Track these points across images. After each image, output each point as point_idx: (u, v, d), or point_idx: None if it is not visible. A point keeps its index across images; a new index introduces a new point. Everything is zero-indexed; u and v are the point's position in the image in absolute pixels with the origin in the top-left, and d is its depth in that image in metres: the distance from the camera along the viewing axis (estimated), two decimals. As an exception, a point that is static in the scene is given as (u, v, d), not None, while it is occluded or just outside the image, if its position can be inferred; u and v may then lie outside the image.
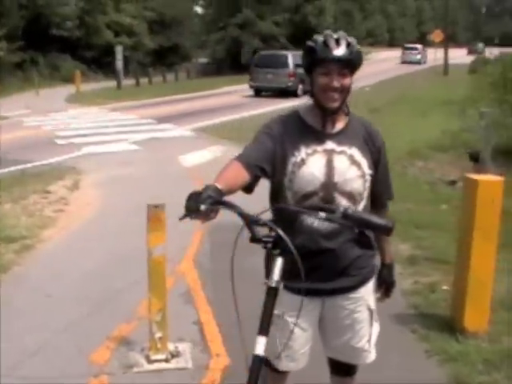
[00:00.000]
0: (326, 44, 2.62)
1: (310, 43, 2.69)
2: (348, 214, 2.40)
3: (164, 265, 4.26)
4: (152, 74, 37.35)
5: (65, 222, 7.99)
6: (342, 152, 2.72)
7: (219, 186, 2.36)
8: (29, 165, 11.80)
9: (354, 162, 2.72)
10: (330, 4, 49.71)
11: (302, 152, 2.70)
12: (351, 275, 2.82)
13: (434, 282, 5.80)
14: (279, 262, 2.35)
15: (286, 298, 2.74)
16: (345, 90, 2.66)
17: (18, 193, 9.32)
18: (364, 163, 2.74)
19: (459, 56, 52.99)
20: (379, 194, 2.89)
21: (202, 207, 2.21)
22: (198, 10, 51.20)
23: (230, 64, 43.50)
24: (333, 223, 2.55)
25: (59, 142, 15.01)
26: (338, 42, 2.62)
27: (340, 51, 2.60)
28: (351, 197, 2.70)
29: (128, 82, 35.28)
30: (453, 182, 10.72)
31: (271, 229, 2.36)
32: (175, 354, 4.40)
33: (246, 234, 2.40)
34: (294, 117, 2.83)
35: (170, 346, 4.43)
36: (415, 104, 22.97)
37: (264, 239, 2.37)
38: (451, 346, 4.51)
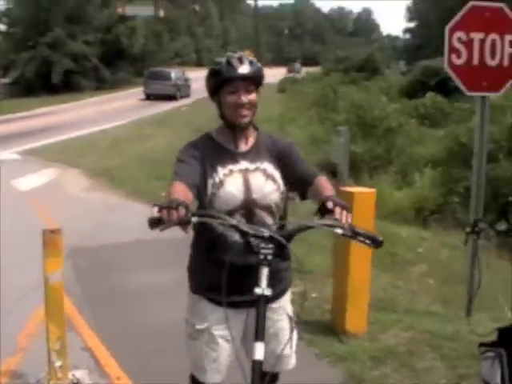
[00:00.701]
0: (229, 63, 2.74)
1: (214, 67, 2.80)
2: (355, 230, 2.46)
3: (62, 291, 4.15)
4: None
5: None
6: (256, 169, 2.84)
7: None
8: None
9: (268, 176, 2.84)
10: (141, 24, 49.70)
11: (220, 173, 2.79)
12: (273, 287, 2.96)
13: (303, 291, 6.10)
14: (266, 271, 2.46)
15: (210, 312, 2.88)
16: (253, 105, 2.78)
17: None
18: (277, 175, 2.86)
19: (270, 75, 55.14)
20: (305, 174, 2.86)
21: (194, 219, 2.33)
22: (1, 27, 48.61)
23: (42, 84, 41.93)
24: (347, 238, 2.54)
25: None
26: (240, 60, 2.75)
27: (244, 69, 2.72)
28: (270, 210, 2.83)
29: None
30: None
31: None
32: (76, 382, 4.29)
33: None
34: (207, 139, 2.92)
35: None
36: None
37: (263, 251, 2.46)
38: (338, 348, 4.82)
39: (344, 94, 21.29)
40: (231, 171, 2.80)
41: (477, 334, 3.23)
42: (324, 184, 2.82)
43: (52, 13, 43.83)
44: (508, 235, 3.04)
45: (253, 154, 2.86)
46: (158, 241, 7.82)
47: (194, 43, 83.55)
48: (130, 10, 46.75)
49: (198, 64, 70.25)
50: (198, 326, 2.92)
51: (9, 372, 4.45)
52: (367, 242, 2.47)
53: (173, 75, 38.09)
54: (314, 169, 2.96)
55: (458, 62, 5.09)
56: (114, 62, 47.99)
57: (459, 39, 5.00)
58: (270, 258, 2.46)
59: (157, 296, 6.05)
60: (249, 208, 2.79)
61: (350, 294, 5.00)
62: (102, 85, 45.49)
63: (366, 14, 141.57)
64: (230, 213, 2.76)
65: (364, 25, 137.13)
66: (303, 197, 2.92)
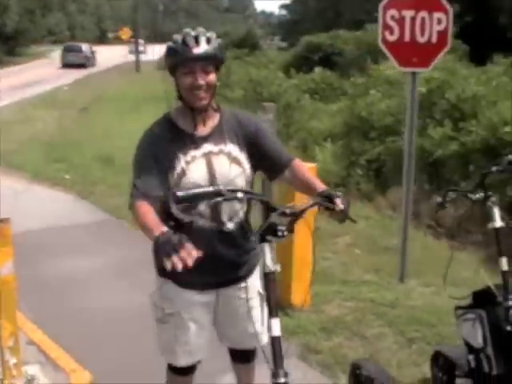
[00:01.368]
0: (185, 43, 2.64)
1: (169, 44, 2.72)
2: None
3: (14, 284, 3.95)
4: None
5: None
6: (220, 152, 2.78)
7: (166, 229, 2.30)
8: None
9: (233, 159, 2.79)
10: (14, 2, 47.37)
11: (182, 161, 2.72)
12: (241, 267, 2.97)
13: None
14: (270, 249, 2.47)
15: (178, 295, 2.88)
16: (211, 87, 2.69)
17: None
18: (243, 158, 2.82)
19: (148, 53, 54.19)
20: (279, 158, 2.88)
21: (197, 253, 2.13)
22: None
23: None
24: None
25: None
26: (197, 39, 2.64)
27: (200, 49, 2.61)
28: None
29: None
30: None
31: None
32: (31, 378, 4.12)
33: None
34: (166, 124, 2.81)
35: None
36: (122, 101, 23.13)
37: (280, 227, 2.45)
38: (288, 322, 4.89)
39: (236, 70, 21.28)
40: (193, 157, 2.74)
41: (454, 297, 3.39)
42: (302, 169, 2.88)
43: None
44: (484, 203, 3.20)
45: (215, 136, 2.79)
46: (76, 226, 7.72)
47: (67, 20, 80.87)
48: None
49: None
50: (167, 310, 2.91)
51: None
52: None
53: (83, 49, 47.28)
54: (286, 150, 2.95)
55: (391, 38, 5.25)
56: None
57: (392, 17, 5.15)
58: (286, 233, 2.46)
59: (87, 282, 5.91)
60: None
61: (294, 267, 5.08)
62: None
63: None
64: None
65: (239, 1, 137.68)
66: (273, 179, 2.97)
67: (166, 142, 2.73)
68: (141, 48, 68.36)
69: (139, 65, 42.64)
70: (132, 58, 46.73)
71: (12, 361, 3.95)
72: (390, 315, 5.07)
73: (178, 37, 2.69)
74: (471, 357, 3.15)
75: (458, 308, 3.36)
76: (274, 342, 2.35)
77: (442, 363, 3.66)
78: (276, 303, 2.41)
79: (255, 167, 2.90)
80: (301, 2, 71.80)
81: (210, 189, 2.43)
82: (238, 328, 3.08)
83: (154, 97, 24.77)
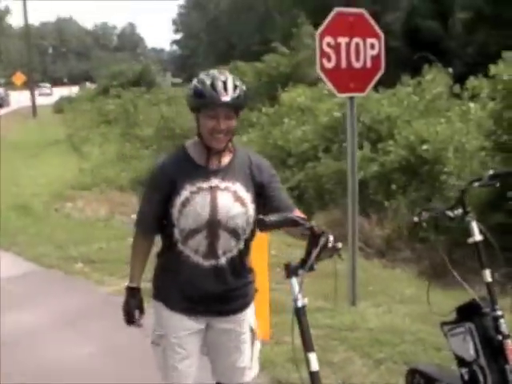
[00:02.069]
0: (213, 87, 2.67)
1: (197, 85, 2.73)
2: None
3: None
4: None
5: None
6: (225, 188, 2.80)
7: (135, 285, 2.97)
8: None
9: (237, 198, 2.81)
10: None
11: (187, 190, 2.77)
12: (232, 301, 2.96)
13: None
14: (298, 281, 2.49)
15: (167, 318, 2.91)
16: (230, 132, 2.75)
17: None
18: (248, 198, 2.84)
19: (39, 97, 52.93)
20: (283, 207, 2.84)
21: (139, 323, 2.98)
22: None
23: None
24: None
25: None
26: (225, 85, 2.68)
27: (228, 96, 2.65)
28: (234, 233, 2.82)
29: None
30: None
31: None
32: None
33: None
34: (181, 154, 2.88)
35: None
36: (22, 148, 22.42)
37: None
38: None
39: (144, 109, 21.14)
40: (199, 189, 2.78)
41: (438, 314, 3.43)
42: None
43: None
44: (463, 220, 3.27)
45: (225, 173, 2.83)
46: (6, 279, 7.34)
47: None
48: None
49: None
50: (156, 332, 2.95)
51: None
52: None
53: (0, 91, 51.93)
54: (290, 200, 2.98)
55: (329, 65, 5.33)
56: None
57: (328, 44, 5.24)
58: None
59: (32, 338, 5.61)
60: (213, 228, 2.77)
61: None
62: None
63: (131, 28, 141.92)
64: (194, 231, 2.77)
65: (129, 39, 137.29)
66: None
67: (178, 168, 2.81)
68: (47, 91, 67.97)
69: (36, 109, 41.47)
70: (42, 100, 45.96)
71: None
72: (351, 339, 5.08)
73: (206, 78, 2.71)
74: (464, 370, 3.20)
75: (443, 324, 3.41)
76: (314, 377, 2.38)
77: (419, 381, 3.70)
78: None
79: (259, 210, 2.89)
80: (192, 36, 72.71)
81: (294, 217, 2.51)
82: (228, 361, 3.04)
83: (57, 141, 24.33)
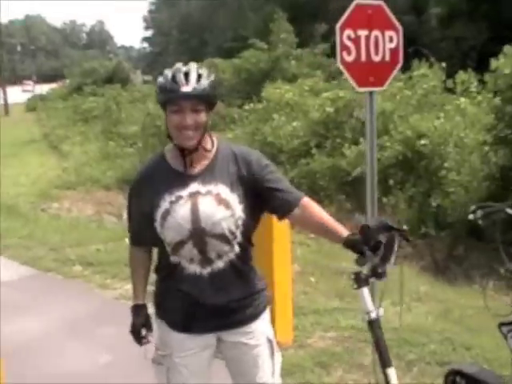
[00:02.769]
0: (174, 80, 2.47)
1: (160, 79, 2.53)
2: None
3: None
4: None
5: None
6: (207, 193, 2.57)
7: (140, 302, 2.76)
8: None
9: (221, 201, 2.56)
10: None
11: (166, 201, 2.56)
12: (239, 311, 2.71)
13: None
14: (368, 292, 2.32)
15: (170, 337, 2.70)
16: (200, 127, 2.49)
17: None
18: (233, 200, 2.58)
19: (12, 95, 52.02)
20: (288, 198, 2.61)
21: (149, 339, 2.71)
22: None
23: None
24: None
25: None
26: (186, 76, 2.47)
27: (190, 87, 2.44)
28: (223, 238, 2.58)
29: None
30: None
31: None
32: None
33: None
34: (158, 161, 2.68)
35: None
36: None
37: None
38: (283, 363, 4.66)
39: (125, 106, 20.81)
40: (178, 197, 2.55)
41: (499, 314, 3.29)
42: (313, 208, 2.62)
43: None
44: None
45: (206, 176, 2.59)
46: (3, 285, 7.07)
47: None
48: None
49: None
50: (160, 352, 2.74)
51: None
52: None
53: None
54: (294, 189, 2.68)
55: (349, 58, 5.17)
56: None
57: (348, 37, 5.08)
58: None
59: (39, 346, 5.38)
60: (198, 237, 2.55)
61: (277, 304, 4.85)
62: None
63: (100, 25, 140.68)
64: (180, 243, 2.56)
65: (98, 37, 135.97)
66: (281, 219, 2.71)
67: (155, 178, 2.61)
68: (29, 88, 66.99)
69: (8, 107, 40.80)
70: (13, 98, 45.34)
71: None
72: (377, 340, 4.93)
73: (168, 72, 2.50)
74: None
75: (502, 325, 3.27)
76: None
77: (460, 381, 3.59)
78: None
79: (260, 208, 2.67)
80: (163, 33, 72.14)
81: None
82: (248, 377, 2.79)
83: (33, 140, 23.93)
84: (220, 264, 2.59)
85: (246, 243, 2.67)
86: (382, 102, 10.83)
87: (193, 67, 2.50)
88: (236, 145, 2.76)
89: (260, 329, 2.74)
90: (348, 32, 5.22)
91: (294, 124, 12.04)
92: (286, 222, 4.72)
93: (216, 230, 2.53)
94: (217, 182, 2.56)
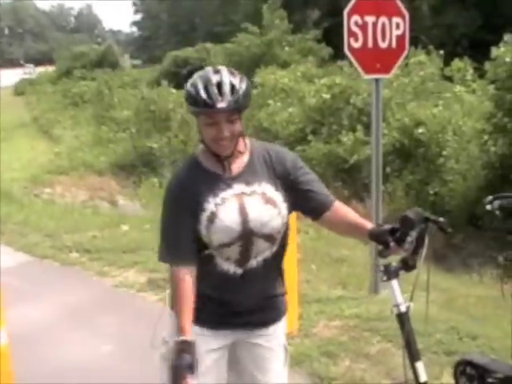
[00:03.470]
0: (207, 93, 2.35)
1: (190, 89, 2.40)
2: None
3: (7, 357, 3.42)
4: None
5: None
6: (252, 193, 2.51)
7: (188, 338, 2.38)
8: None
9: (267, 200, 2.51)
10: None
11: (211, 204, 2.47)
12: (265, 312, 2.67)
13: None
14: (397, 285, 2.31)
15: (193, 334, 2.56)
16: (236, 136, 2.44)
17: None
18: (278, 197, 2.54)
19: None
20: (320, 200, 2.59)
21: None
22: None
23: None
24: None
25: None
26: (220, 89, 2.34)
27: (224, 102, 2.33)
28: (270, 237, 2.53)
29: None
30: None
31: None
32: None
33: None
34: (193, 165, 2.56)
35: None
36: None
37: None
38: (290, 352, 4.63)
39: (118, 90, 20.63)
40: (224, 199, 2.47)
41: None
42: (343, 212, 2.60)
43: None
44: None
45: (247, 176, 2.52)
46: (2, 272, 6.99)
47: None
48: None
49: None
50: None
51: None
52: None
53: None
54: (326, 190, 2.64)
55: (356, 45, 5.13)
56: None
57: (356, 23, 5.03)
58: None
59: (43, 335, 5.32)
60: (247, 239, 2.48)
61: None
62: None
63: (88, 9, 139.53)
64: (226, 245, 2.48)
65: (86, 21, 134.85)
66: (314, 219, 2.65)
67: (195, 185, 2.50)
68: (31, 70, 66.31)
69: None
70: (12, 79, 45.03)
71: None
72: (382, 329, 4.91)
73: (198, 82, 2.37)
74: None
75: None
76: None
77: (470, 372, 3.58)
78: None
79: (292, 207, 2.59)
80: (152, 17, 71.46)
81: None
82: (255, 379, 2.73)
83: (23, 124, 23.71)
84: (254, 262, 2.54)
85: (284, 242, 2.62)
86: (379, 89, 10.78)
87: (225, 75, 2.38)
88: (270, 144, 2.70)
89: (277, 334, 2.70)
90: (355, 18, 5.18)
91: (290, 110, 11.96)
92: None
93: (264, 230, 2.48)
94: (260, 182, 2.51)
